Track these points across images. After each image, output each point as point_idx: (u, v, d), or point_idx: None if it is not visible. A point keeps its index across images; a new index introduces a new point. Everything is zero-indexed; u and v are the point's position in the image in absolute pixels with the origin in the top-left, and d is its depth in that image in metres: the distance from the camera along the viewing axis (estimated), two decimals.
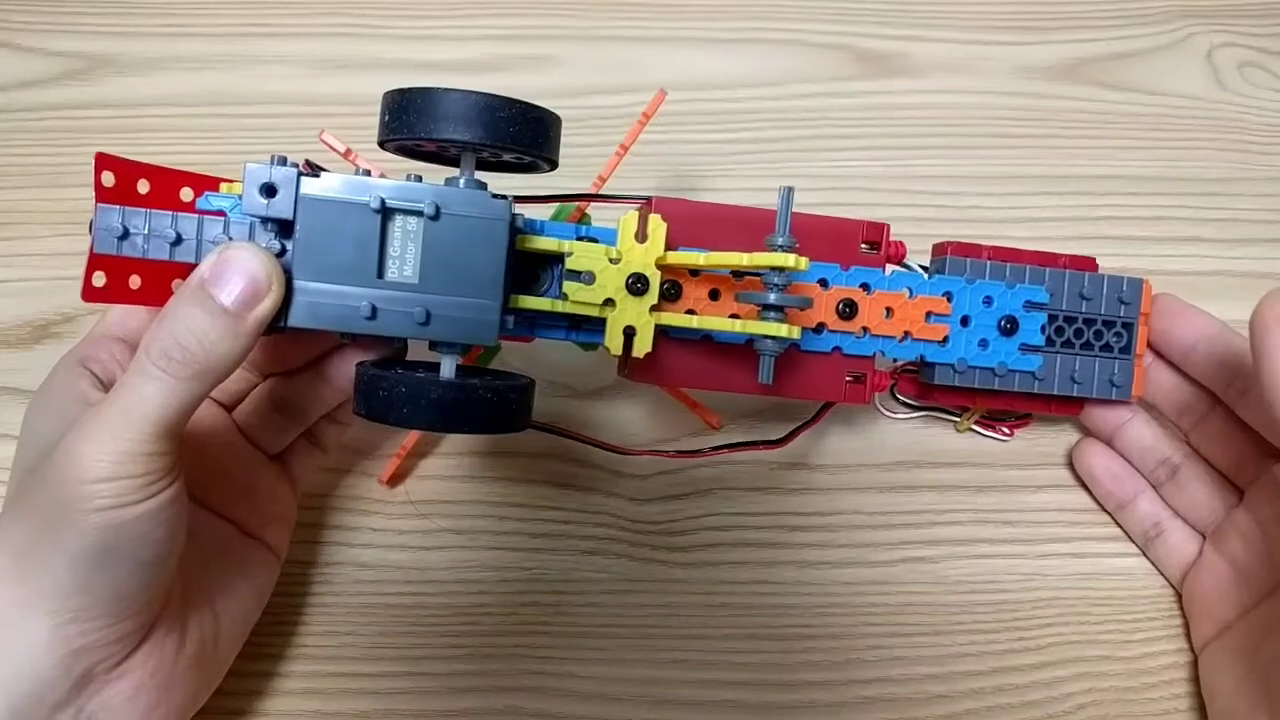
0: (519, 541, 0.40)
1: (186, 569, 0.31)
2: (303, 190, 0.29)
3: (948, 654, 0.39)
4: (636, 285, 0.32)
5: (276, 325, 0.29)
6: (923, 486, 0.41)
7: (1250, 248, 0.45)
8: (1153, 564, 0.40)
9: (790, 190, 0.31)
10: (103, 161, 0.30)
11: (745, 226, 0.34)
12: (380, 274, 0.30)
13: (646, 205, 0.34)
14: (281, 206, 0.29)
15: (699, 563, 0.40)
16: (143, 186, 0.31)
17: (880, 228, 0.36)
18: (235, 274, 0.28)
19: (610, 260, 0.32)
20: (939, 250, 0.38)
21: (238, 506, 0.35)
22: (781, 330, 0.31)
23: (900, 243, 0.36)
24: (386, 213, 0.30)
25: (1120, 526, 0.40)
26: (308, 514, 0.40)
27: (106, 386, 0.31)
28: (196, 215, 0.31)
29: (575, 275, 0.32)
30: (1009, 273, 0.37)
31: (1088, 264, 0.38)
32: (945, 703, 0.38)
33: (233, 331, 0.28)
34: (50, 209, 0.45)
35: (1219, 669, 0.36)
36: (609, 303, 0.32)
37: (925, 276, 0.36)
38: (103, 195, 0.30)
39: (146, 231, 0.30)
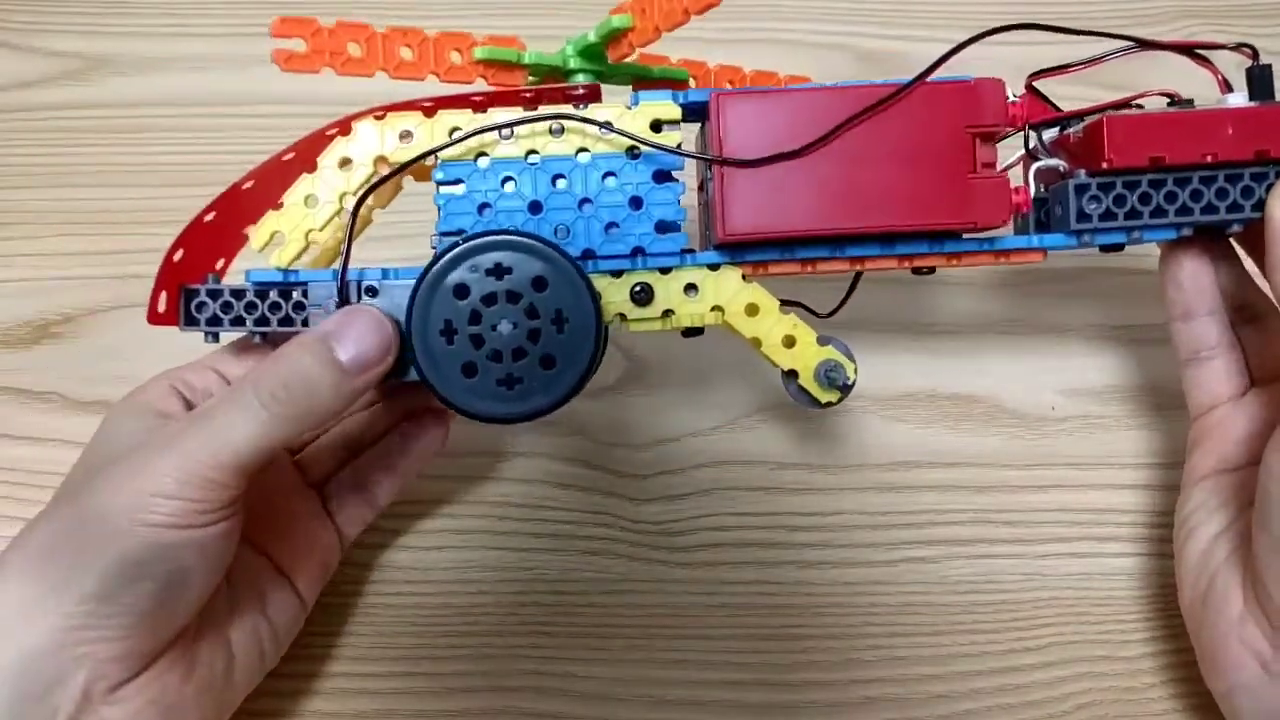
0: (519, 541, 0.40)
1: (213, 596, 0.31)
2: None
3: (948, 654, 0.39)
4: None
5: (396, 375, 0.30)
6: (923, 486, 0.41)
7: None
8: (1181, 382, 0.36)
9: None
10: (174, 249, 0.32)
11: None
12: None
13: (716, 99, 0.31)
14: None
15: (699, 563, 0.40)
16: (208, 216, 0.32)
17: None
18: (360, 336, 0.29)
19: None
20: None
21: (275, 541, 0.34)
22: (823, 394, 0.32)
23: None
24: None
25: (1172, 339, 0.36)
26: None
27: None
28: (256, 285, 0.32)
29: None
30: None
31: None
32: (945, 703, 0.38)
33: (340, 387, 0.29)
34: (50, 209, 0.45)
35: (1211, 509, 0.34)
36: (667, 314, 0.32)
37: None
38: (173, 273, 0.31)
39: (232, 316, 0.32)
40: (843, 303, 0.36)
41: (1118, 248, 0.33)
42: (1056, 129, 0.33)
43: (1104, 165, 0.31)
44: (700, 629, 0.39)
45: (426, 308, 0.29)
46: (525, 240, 0.29)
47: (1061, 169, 0.33)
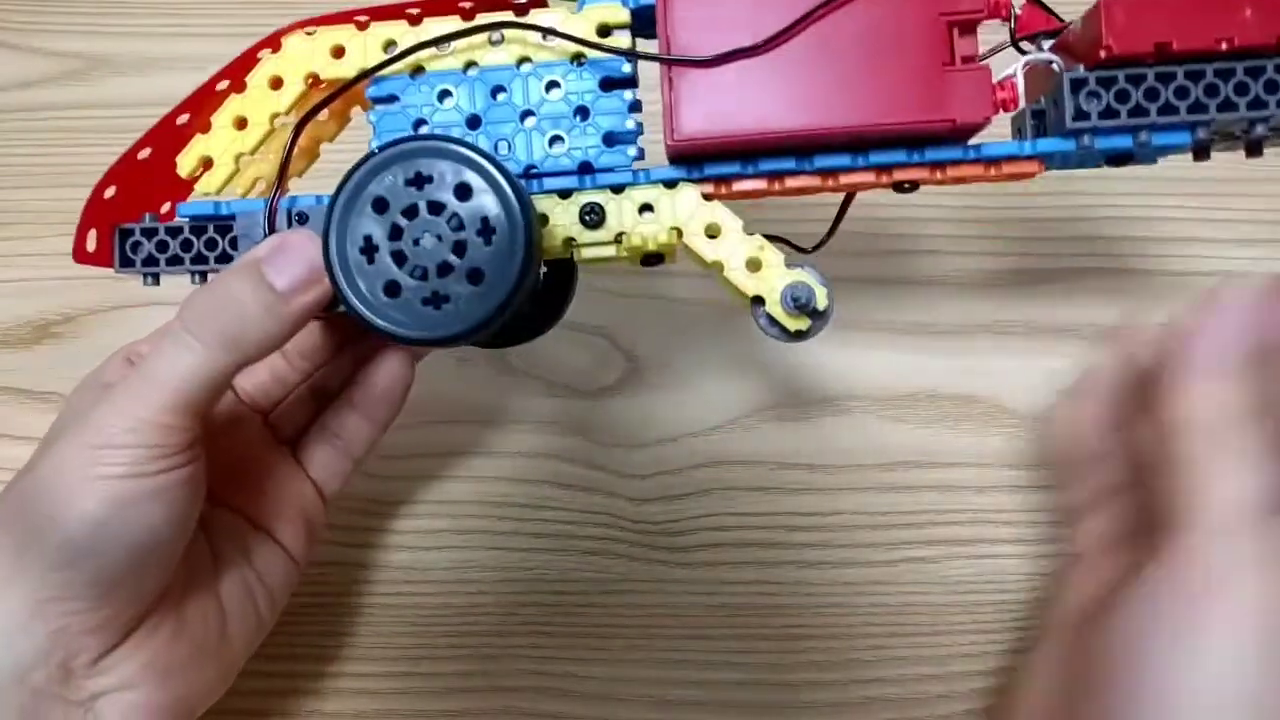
0: (519, 541, 0.40)
1: (192, 556, 0.30)
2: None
3: (948, 654, 0.39)
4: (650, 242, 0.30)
5: (332, 307, 0.29)
6: (923, 486, 0.41)
7: (1250, 248, 0.45)
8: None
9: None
10: (102, 184, 0.30)
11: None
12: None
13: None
14: None
15: (699, 563, 0.40)
16: (143, 153, 0.31)
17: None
18: (293, 258, 0.28)
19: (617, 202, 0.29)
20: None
21: (250, 499, 0.33)
22: (785, 319, 0.29)
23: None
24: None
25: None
26: None
27: None
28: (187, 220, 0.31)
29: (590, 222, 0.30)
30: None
31: None
32: (945, 703, 0.38)
33: (276, 313, 0.27)
34: (50, 209, 0.45)
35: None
36: (620, 238, 0.30)
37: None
38: (99, 209, 0.30)
39: (168, 255, 0.30)
40: (830, 233, 0.33)
41: (1126, 159, 0.29)
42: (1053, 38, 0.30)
43: (1103, 54, 0.27)
44: (700, 629, 0.39)
45: (344, 224, 0.27)
46: (445, 145, 0.27)
47: (1057, 66, 0.29)
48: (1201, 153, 0.29)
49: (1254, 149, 0.30)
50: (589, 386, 0.43)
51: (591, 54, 0.29)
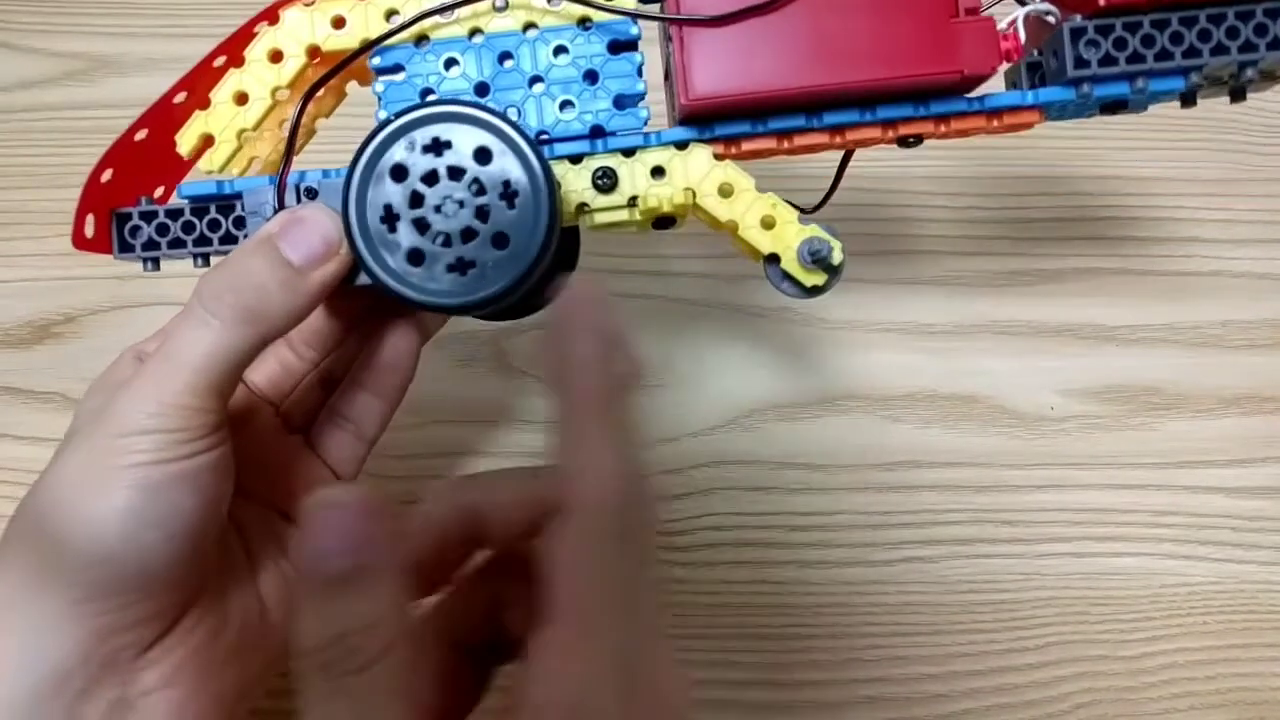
0: None
1: (229, 547, 0.30)
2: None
3: (947, 653, 0.39)
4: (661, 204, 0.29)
5: (350, 281, 0.28)
6: (922, 486, 0.41)
7: (1249, 248, 0.45)
8: None
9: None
10: (100, 167, 0.29)
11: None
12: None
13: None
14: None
15: (699, 562, 0.40)
16: (140, 135, 0.30)
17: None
18: (308, 232, 0.27)
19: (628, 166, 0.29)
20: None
21: (274, 491, 0.32)
22: (804, 277, 0.29)
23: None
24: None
25: None
26: None
27: None
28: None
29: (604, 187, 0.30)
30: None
31: None
32: (944, 702, 0.38)
33: (294, 287, 0.27)
34: (52, 209, 0.45)
35: None
36: (633, 201, 0.30)
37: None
38: (96, 193, 0.29)
39: (169, 238, 0.30)
40: (831, 191, 0.34)
41: (1120, 106, 0.30)
42: None
43: (1101, 2, 0.28)
44: (701, 628, 0.39)
45: (363, 194, 0.27)
46: (462, 110, 0.27)
47: (1053, 17, 0.30)
48: (1189, 99, 0.30)
49: (1238, 95, 0.30)
50: None
51: (598, 17, 0.29)
